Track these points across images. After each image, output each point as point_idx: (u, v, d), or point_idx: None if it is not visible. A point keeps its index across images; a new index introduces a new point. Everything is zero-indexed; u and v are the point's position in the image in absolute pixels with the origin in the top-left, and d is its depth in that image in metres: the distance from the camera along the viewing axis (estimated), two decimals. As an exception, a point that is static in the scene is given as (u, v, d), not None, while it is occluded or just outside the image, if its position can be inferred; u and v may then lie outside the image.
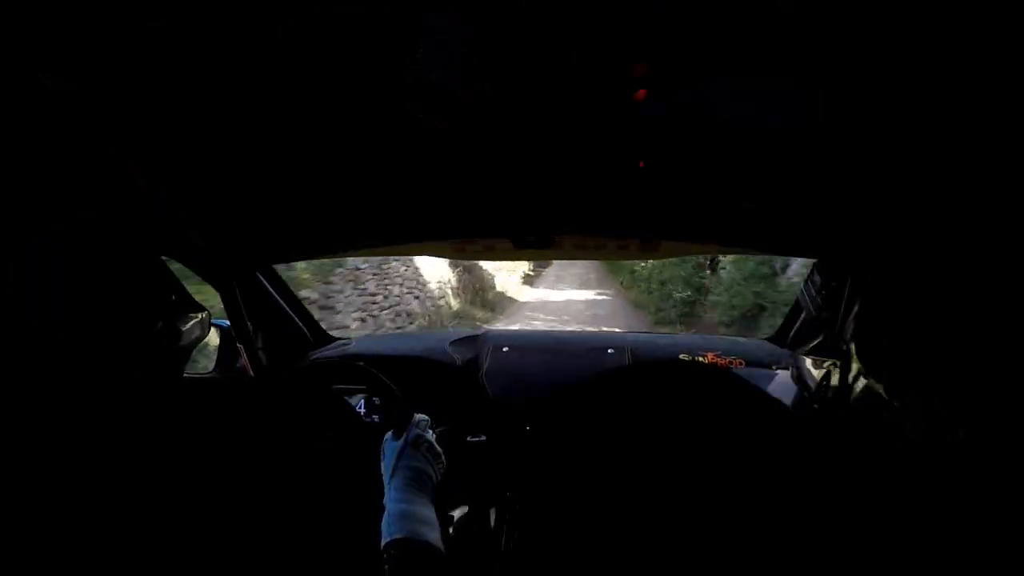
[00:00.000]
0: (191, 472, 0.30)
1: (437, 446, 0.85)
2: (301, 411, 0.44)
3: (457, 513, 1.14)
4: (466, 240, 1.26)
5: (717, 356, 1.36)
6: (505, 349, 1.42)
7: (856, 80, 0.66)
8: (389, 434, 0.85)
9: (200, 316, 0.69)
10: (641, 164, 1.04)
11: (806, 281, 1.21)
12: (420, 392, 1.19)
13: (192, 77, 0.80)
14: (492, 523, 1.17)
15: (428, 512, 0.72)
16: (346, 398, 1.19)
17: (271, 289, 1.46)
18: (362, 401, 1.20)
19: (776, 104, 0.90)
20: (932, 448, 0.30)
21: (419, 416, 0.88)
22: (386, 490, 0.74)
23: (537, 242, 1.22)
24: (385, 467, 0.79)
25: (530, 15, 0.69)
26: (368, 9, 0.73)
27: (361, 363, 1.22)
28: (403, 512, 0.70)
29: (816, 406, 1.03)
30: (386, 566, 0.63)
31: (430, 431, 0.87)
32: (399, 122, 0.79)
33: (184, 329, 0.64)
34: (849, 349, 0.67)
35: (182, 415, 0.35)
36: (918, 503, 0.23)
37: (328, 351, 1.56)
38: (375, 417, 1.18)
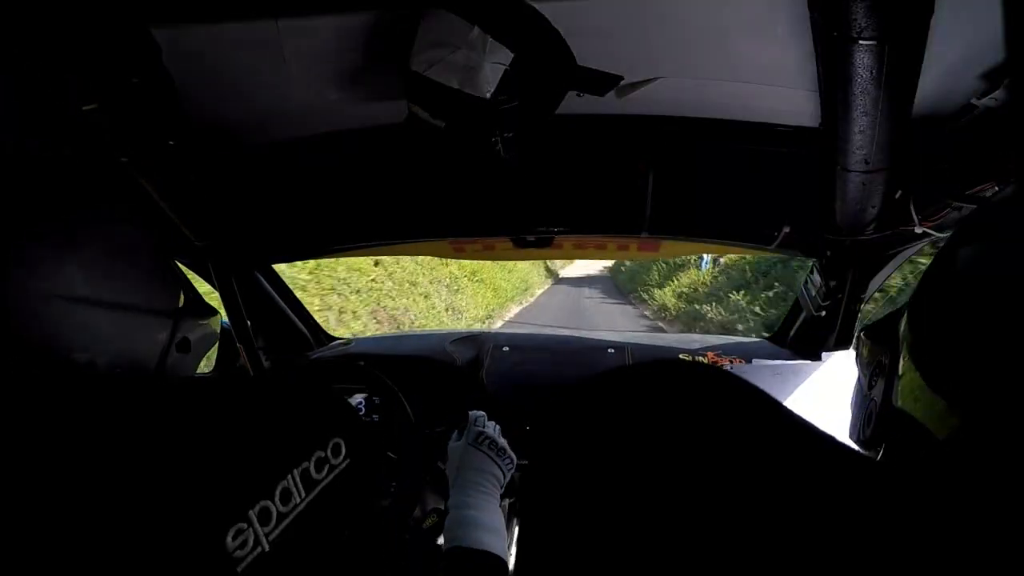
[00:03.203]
0: (190, 473, 0.30)
1: (500, 439, 0.79)
2: (301, 411, 0.44)
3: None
4: (465, 239, 1.26)
5: (717, 356, 1.36)
6: (505, 349, 1.42)
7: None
8: (454, 434, 0.82)
9: (211, 319, 0.67)
10: (641, 168, 1.04)
11: (806, 281, 1.21)
12: (420, 392, 1.19)
13: (192, 76, 0.80)
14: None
15: (492, 518, 0.69)
16: (346, 398, 1.19)
17: (271, 289, 1.46)
18: (362, 401, 1.19)
19: (779, 105, 0.90)
20: (936, 450, 0.30)
21: (474, 413, 0.84)
22: (451, 492, 0.72)
23: (537, 242, 1.23)
24: (449, 469, 0.77)
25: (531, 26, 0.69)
26: (371, 10, 0.73)
27: (361, 363, 1.22)
28: (465, 519, 0.67)
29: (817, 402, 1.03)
30: (441, 573, 0.61)
31: (490, 425, 0.82)
32: (398, 120, 0.79)
33: (194, 331, 0.63)
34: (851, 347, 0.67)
35: (180, 415, 0.35)
36: (922, 507, 0.23)
37: (328, 351, 1.56)
38: (375, 417, 1.18)
